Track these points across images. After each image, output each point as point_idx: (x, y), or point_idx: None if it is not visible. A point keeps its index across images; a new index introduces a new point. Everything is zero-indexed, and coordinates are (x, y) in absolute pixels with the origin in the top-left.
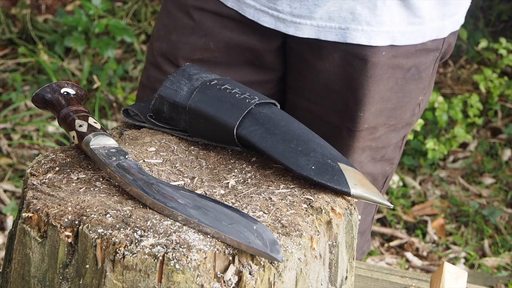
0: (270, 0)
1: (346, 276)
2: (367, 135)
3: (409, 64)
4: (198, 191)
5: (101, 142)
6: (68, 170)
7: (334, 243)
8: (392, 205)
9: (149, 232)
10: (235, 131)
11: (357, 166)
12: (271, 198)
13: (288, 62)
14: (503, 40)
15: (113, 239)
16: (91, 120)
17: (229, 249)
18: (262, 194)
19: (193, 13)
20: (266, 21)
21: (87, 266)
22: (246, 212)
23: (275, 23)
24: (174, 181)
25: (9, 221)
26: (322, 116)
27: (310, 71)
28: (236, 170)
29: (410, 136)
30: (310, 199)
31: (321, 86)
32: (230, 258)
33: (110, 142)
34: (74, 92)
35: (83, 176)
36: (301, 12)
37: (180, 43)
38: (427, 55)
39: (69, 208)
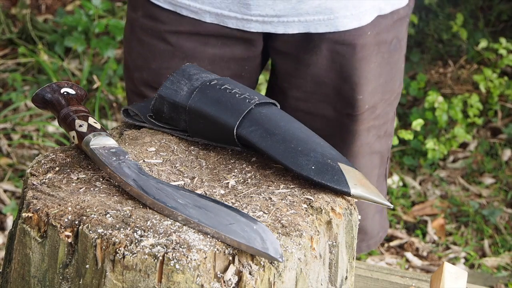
0: (251, 8)
1: (346, 276)
2: (369, 115)
3: (390, 37)
4: (198, 191)
5: (101, 142)
6: (68, 170)
7: (334, 243)
8: (392, 205)
9: (149, 232)
10: (235, 131)
11: (366, 147)
12: (271, 198)
13: (273, 64)
14: (503, 40)
15: (113, 239)
16: (91, 120)
17: (229, 249)
18: (262, 194)
19: (169, 38)
20: (252, 27)
21: (87, 266)
22: (246, 212)
23: (261, 26)
24: (174, 181)
25: (9, 221)
26: (312, 111)
27: (297, 68)
28: (236, 170)
29: (410, 136)
30: (310, 199)
31: (310, 81)
32: (230, 258)
33: (110, 142)
34: (74, 92)
35: (83, 176)
36: (286, 12)
37: (162, 69)
38: (401, 24)
39: (69, 208)
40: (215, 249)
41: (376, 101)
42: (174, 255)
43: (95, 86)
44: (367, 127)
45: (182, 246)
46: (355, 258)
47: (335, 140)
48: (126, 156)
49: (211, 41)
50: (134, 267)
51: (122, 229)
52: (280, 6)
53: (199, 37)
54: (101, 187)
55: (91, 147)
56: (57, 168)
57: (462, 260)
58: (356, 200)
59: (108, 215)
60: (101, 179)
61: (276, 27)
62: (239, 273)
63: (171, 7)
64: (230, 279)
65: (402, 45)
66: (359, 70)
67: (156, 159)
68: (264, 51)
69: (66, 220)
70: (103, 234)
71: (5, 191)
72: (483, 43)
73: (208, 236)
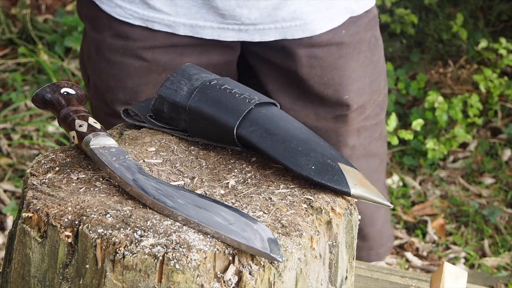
0: (227, 17)
1: (346, 276)
2: (358, 115)
3: (368, 36)
4: (198, 191)
5: (101, 142)
6: (68, 170)
7: (334, 243)
8: (392, 205)
9: (149, 232)
10: (235, 131)
11: (360, 149)
12: (271, 198)
13: (253, 68)
14: (503, 40)
15: (113, 239)
16: (91, 120)
17: (229, 249)
18: (262, 194)
19: (144, 54)
20: (228, 36)
21: (87, 266)
22: (246, 212)
23: (237, 34)
24: (174, 181)
25: (9, 221)
26: (296, 117)
27: (277, 75)
28: (236, 170)
29: (410, 136)
30: (310, 199)
31: (291, 88)
32: (230, 258)
33: (110, 142)
34: (74, 92)
35: (83, 176)
36: (262, 20)
37: (141, 86)
38: (375, 23)
39: (69, 208)
40: (215, 249)
41: (365, 101)
42: (174, 255)
43: None
44: (357, 128)
45: (182, 246)
46: (355, 258)
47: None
48: (126, 156)
49: (188, 51)
50: (134, 267)
51: (122, 229)
52: (256, 15)
53: (175, 49)
54: (101, 187)
55: (91, 147)
56: (57, 168)
57: (462, 260)
58: (356, 200)
59: (108, 215)
60: (101, 179)
61: (252, 35)
62: (239, 273)
63: (142, 23)
64: (230, 279)
65: (380, 44)
66: (340, 70)
67: (156, 159)
68: (243, 56)
69: (66, 220)
70: (103, 234)
71: (5, 191)
72: (483, 43)
73: (208, 236)
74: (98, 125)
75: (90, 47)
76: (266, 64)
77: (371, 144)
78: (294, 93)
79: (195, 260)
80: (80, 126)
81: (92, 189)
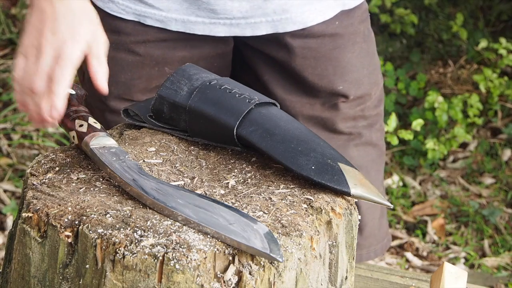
0: (218, 11)
1: (346, 276)
2: (356, 105)
3: (362, 27)
4: (198, 191)
5: (101, 142)
6: (68, 170)
7: (334, 243)
8: (392, 205)
9: (149, 232)
10: (235, 131)
11: (359, 136)
12: (271, 198)
13: (248, 60)
14: (503, 40)
15: (113, 239)
16: (91, 120)
17: (229, 249)
18: (262, 194)
19: (136, 48)
20: (219, 31)
21: (87, 266)
22: (246, 212)
23: (229, 29)
24: (174, 181)
25: (9, 221)
26: (291, 112)
27: (272, 68)
28: (236, 170)
29: (410, 136)
30: (310, 199)
31: (284, 78)
32: (230, 258)
33: (110, 142)
34: (74, 92)
35: (83, 176)
36: (253, 13)
37: (134, 80)
38: (367, 16)
39: (69, 208)
40: (215, 249)
41: (364, 92)
42: (174, 255)
43: None
44: (353, 116)
45: (182, 246)
46: (355, 258)
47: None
48: (126, 156)
49: (180, 44)
50: (134, 267)
51: (122, 229)
52: (247, 7)
53: (167, 43)
54: (101, 187)
55: (91, 147)
56: (57, 168)
57: (462, 260)
58: (356, 200)
59: (108, 215)
60: (101, 179)
61: (244, 30)
62: (239, 273)
63: (135, 18)
64: (230, 279)
65: (372, 37)
66: (335, 61)
67: (156, 159)
68: (237, 48)
69: (66, 220)
70: (103, 234)
71: (5, 191)
72: (483, 43)
73: (208, 236)
74: (98, 125)
75: None
76: (260, 56)
77: (371, 133)
78: (289, 84)
79: (195, 260)
80: (80, 126)
81: (92, 189)
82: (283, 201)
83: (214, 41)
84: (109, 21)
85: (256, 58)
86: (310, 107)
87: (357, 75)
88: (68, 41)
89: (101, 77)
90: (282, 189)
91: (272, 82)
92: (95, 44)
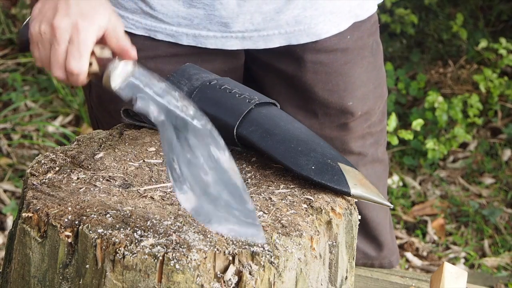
0: (230, 25)
1: (346, 276)
2: (363, 122)
3: (371, 41)
4: None
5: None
6: (68, 170)
7: (334, 243)
8: (392, 205)
9: (149, 232)
10: (235, 131)
11: (368, 155)
12: (271, 198)
13: (257, 76)
14: (503, 40)
15: (113, 239)
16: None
17: (229, 249)
18: (262, 194)
19: (147, 63)
20: (232, 45)
21: (87, 266)
22: None
23: (241, 43)
24: None
25: (9, 221)
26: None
27: (281, 83)
28: None
29: (410, 136)
30: (310, 199)
31: (295, 96)
32: (230, 258)
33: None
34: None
35: (83, 176)
36: (266, 25)
37: None
38: (376, 27)
39: (69, 208)
40: (215, 249)
41: (370, 108)
42: (174, 255)
43: None
44: (362, 135)
45: (182, 246)
46: (355, 258)
47: None
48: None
49: (191, 59)
50: (134, 267)
51: (122, 229)
52: (259, 19)
53: (178, 58)
54: (101, 187)
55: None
56: (57, 168)
57: (462, 260)
58: (356, 200)
59: (108, 215)
60: (101, 179)
61: (257, 42)
62: (239, 273)
63: (145, 32)
64: (230, 279)
65: (380, 49)
66: (345, 76)
67: (156, 159)
68: (248, 64)
69: (66, 220)
70: (103, 234)
71: (5, 191)
72: (483, 43)
73: (208, 236)
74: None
75: None
76: (271, 71)
77: (377, 150)
78: (298, 101)
79: (195, 260)
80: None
81: (92, 189)
82: (283, 201)
83: (225, 55)
84: None
85: (266, 73)
86: (319, 126)
87: (364, 90)
88: (81, 24)
89: (126, 45)
90: (282, 189)
91: (280, 98)
92: (111, 27)
